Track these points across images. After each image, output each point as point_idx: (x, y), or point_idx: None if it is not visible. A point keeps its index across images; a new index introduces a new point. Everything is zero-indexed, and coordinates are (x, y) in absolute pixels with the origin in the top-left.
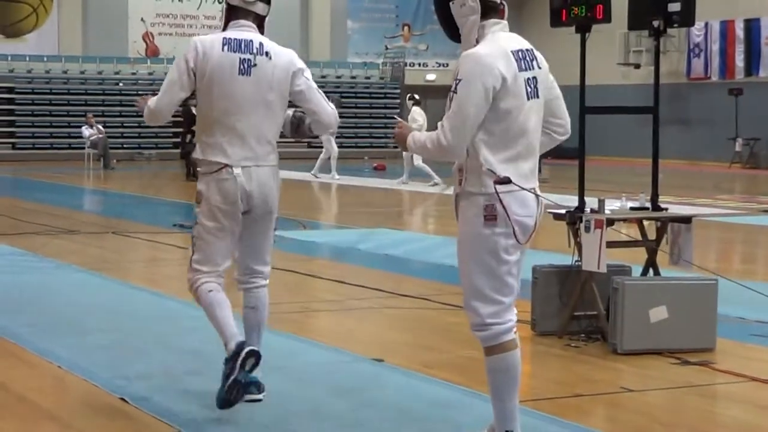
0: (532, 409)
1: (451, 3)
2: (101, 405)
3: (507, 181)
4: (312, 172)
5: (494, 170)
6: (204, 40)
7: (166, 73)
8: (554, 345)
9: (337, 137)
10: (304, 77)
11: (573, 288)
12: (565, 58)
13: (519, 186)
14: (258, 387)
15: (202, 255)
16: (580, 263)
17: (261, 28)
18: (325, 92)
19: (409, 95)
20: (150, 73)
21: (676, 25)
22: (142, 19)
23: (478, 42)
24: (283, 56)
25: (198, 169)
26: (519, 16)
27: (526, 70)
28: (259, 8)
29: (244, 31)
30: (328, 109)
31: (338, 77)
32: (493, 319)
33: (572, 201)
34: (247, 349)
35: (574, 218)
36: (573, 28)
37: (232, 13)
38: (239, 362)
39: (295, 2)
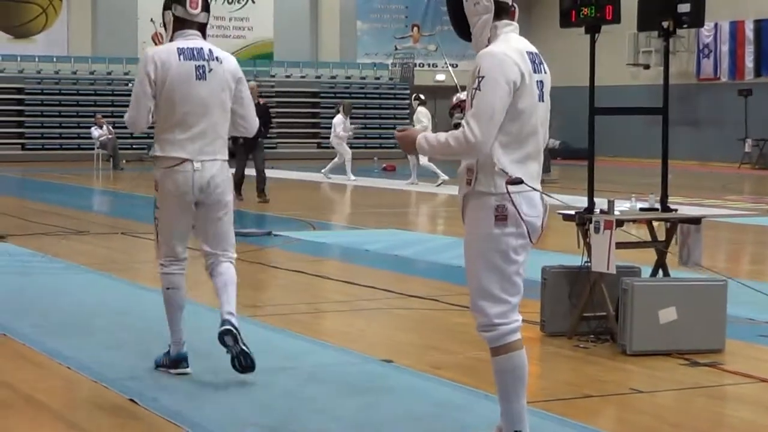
0: (542, 410)
1: (464, 1)
2: (110, 405)
3: (519, 181)
4: (323, 171)
5: (506, 170)
6: (159, 51)
7: None
8: (563, 346)
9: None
10: (244, 85)
11: (582, 289)
12: (575, 59)
13: (530, 186)
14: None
15: (162, 238)
16: (589, 264)
17: (203, 35)
18: (334, 93)
19: (414, 95)
20: None
21: (685, 25)
22: (151, 20)
23: (489, 42)
24: (231, 61)
25: (155, 164)
26: (528, 16)
27: (536, 72)
28: (202, 17)
29: (191, 39)
30: (255, 118)
31: (348, 78)
32: (500, 320)
33: (581, 202)
34: (180, 370)
35: (583, 219)
36: (582, 29)
37: (178, 24)
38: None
39: (304, 3)
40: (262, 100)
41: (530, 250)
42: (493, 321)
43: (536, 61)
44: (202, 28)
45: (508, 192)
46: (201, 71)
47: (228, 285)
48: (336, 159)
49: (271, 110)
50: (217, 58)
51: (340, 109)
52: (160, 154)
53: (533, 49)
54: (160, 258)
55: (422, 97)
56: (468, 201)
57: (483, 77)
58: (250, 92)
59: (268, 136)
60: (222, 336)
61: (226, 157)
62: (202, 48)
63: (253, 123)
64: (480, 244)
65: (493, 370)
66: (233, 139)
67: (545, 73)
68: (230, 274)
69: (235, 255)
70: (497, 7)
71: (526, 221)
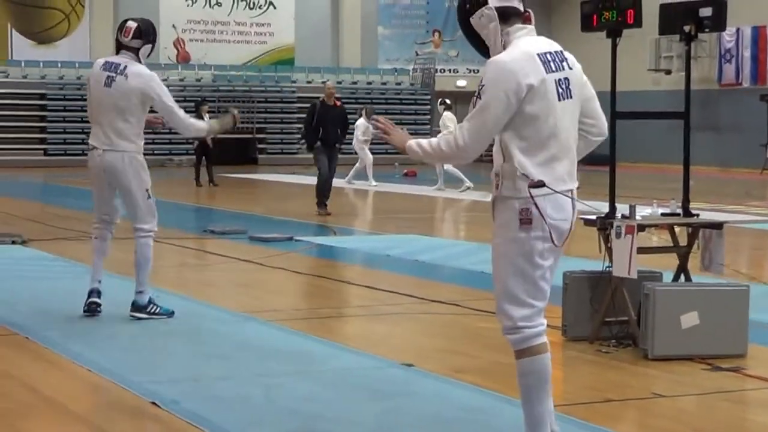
0: (564, 414)
1: (471, 19)
2: (131, 408)
3: (541, 184)
4: (346, 179)
5: (528, 174)
6: (98, 61)
7: (197, 80)
8: (586, 351)
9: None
10: (158, 98)
11: (604, 294)
12: (596, 64)
13: (552, 189)
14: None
15: (93, 206)
16: (611, 269)
17: (138, 55)
18: (355, 98)
19: (440, 100)
20: (181, 80)
21: (707, 30)
22: (173, 26)
23: (504, 48)
24: (138, 80)
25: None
26: (549, 21)
27: (556, 71)
28: (135, 43)
29: (120, 57)
30: (180, 122)
31: (369, 83)
32: (524, 323)
33: (603, 207)
34: (88, 301)
35: (605, 224)
36: (604, 33)
37: (118, 44)
38: (85, 302)
39: (326, 9)
40: (338, 103)
41: (561, 255)
42: (517, 324)
43: (555, 60)
44: (136, 51)
45: (530, 196)
46: (108, 80)
47: (137, 266)
48: (357, 164)
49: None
50: (126, 74)
51: (363, 113)
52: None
53: (552, 48)
54: (93, 222)
55: (448, 101)
56: (496, 205)
57: (484, 86)
58: (326, 93)
59: (290, 141)
60: (89, 304)
61: (126, 150)
62: (119, 63)
63: (178, 125)
64: (506, 248)
65: (517, 373)
66: (309, 146)
67: (570, 69)
68: (139, 252)
69: (146, 229)
70: (505, 12)
71: (550, 224)
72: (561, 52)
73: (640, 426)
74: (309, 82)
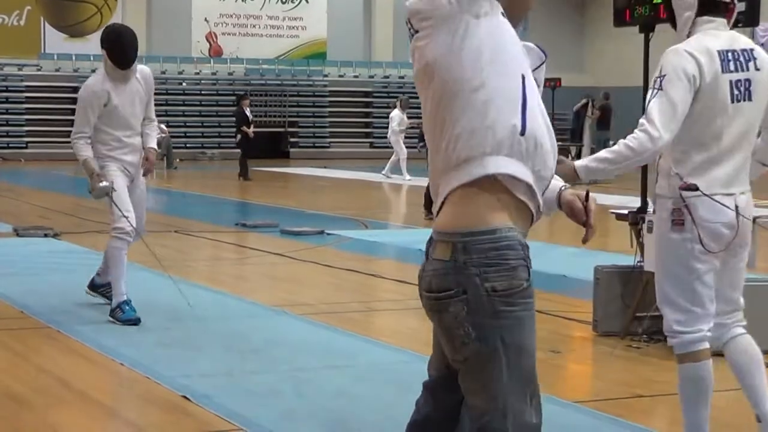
0: (594, 410)
1: (673, 1)
2: (163, 402)
3: (693, 188)
4: (383, 172)
5: (681, 174)
6: None
7: (229, 74)
8: (616, 345)
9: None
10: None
11: (635, 289)
12: (628, 59)
13: (702, 192)
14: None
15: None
16: (642, 264)
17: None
18: (387, 93)
19: None
20: (213, 73)
21: (740, 24)
22: (205, 19)
23: (688, 38)
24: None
25: None
26: (582, 16)
27: (735, 71)
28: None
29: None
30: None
31: (401, 78)
32: (680, 327)
33: (635, 201)
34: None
35: (636, 219)
36: (636, 28)
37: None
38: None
39: (358, 3)
40: None
41: (737, 259)
42: (672, 327)
43: (738, 59)
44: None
45: (682, 197)
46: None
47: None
48: (393, 157)
49: (329, 110)
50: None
51: (398, 103)
52: None
53: (737, 45)
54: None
55: None
56: (656, 201)
57: (665, 75)
58: None
59: (322, 135)
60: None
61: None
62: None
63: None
64: (661, 247)
65: (678, 379)
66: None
67: (757, 70)
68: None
69: (113, 228)
70: (704, 3)
71: (701, 227)
72: (750, 50)
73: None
74: (341, 76)
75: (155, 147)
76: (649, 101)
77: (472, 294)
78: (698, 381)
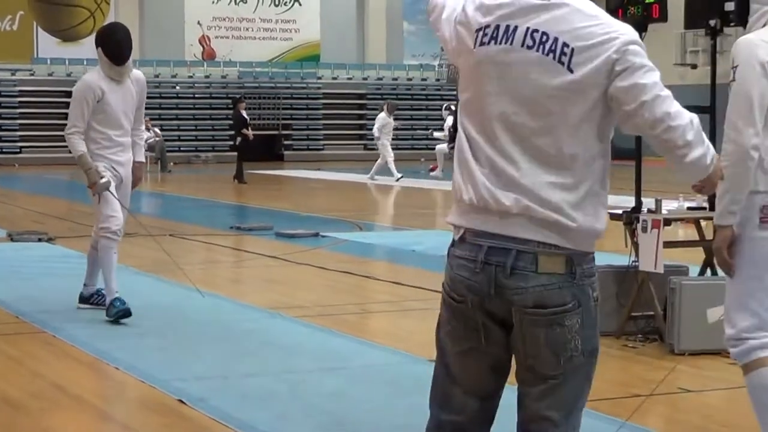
0: (590, 410)
1: None
2: (159, 406)
3: None
4: (368, 176)
5: None
6: None
7: (223, 77)
8: (612, 345)
9: (393, 139)
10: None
11: (630, 288)
12: None
13: None
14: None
15: None
16: (637, 263)
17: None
18: (380, 95)
19: (446, 105)
20: (206, 76)
21: (732, 24)
22: (198, 23)
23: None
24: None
25: None
26: None
27: None
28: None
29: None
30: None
31: (394, 79)
32: (748, 333)
33: (629, 201)
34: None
35: (631, 218)
36: None
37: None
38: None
39: (351, 5)
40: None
41: None
42: (740, 335)
43: None
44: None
45: None
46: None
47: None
48: (379, 160)
49: (323, 113)
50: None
51: (385, 107)
52: None
53: None
54: None
55: (453, 107)
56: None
57: (738, 66)
58: None
59: (316, 138)
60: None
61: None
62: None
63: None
64: (743, 247)
65: (747, 389)
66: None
67: None
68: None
69: (99, 227)
70: None
71: None
72: None
73: (667, 421)
74: (334, 79)
75: (143, 161)
76: (730, 98)
77: (585, 306)
78: None
